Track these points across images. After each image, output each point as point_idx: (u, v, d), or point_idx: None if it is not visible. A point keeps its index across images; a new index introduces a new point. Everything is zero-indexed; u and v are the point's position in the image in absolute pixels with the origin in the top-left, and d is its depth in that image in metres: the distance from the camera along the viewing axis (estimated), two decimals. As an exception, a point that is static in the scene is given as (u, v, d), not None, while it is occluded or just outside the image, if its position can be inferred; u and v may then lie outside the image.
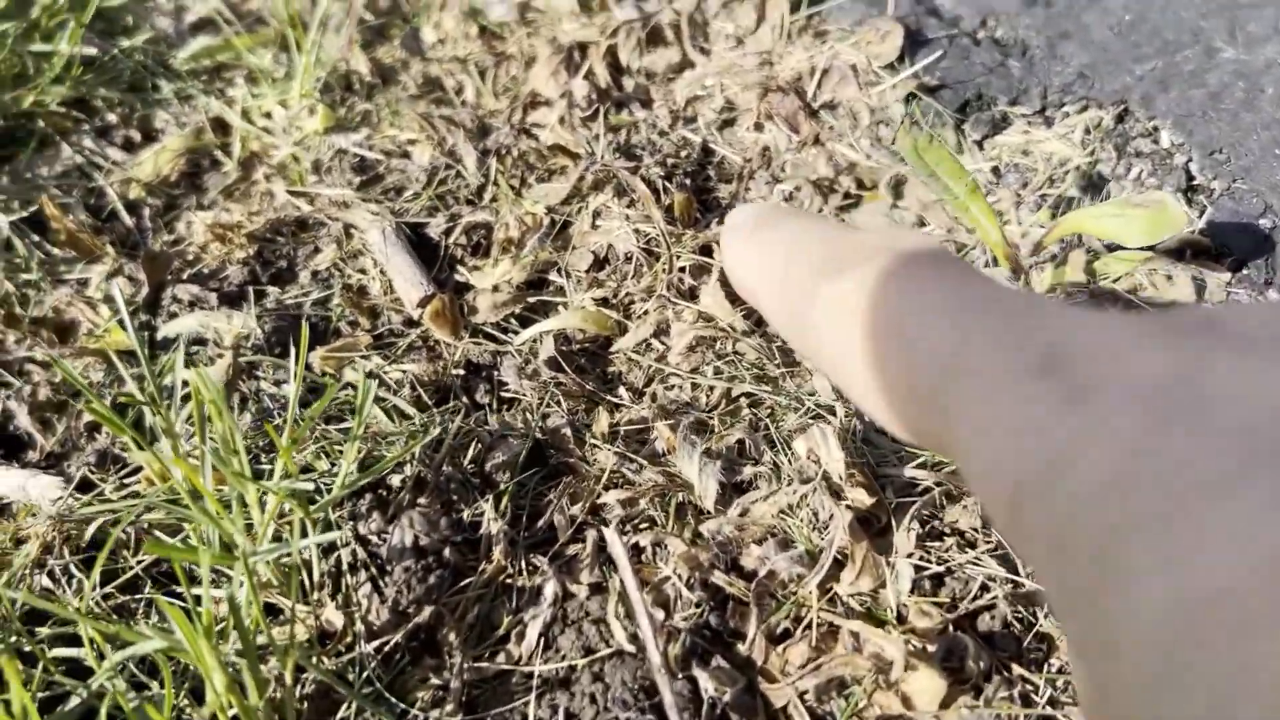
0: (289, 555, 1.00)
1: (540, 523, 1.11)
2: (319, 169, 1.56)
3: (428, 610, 1.03)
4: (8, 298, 1.41)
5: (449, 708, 0.98)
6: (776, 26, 1.63)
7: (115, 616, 1.06)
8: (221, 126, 1.67)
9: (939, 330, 0.38)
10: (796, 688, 0.97)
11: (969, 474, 0.36)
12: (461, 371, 1.29)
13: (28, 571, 1.09)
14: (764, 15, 1.65)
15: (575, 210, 1.44)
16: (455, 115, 1.60)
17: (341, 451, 1.15)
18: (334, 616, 1.03)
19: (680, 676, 0.98)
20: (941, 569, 1.04)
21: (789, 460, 1.12)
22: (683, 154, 1.50)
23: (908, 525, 1.06)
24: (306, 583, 1.05)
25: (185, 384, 1.22)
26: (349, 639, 1.02)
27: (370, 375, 1.26)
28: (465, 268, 1.42)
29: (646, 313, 1.32)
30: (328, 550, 1.07)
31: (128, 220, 1.54)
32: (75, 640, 1.04)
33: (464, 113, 1.61)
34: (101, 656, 0.98)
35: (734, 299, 1.30)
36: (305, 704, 0.99)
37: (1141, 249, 1.25)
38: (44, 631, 1.05)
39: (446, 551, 1.05)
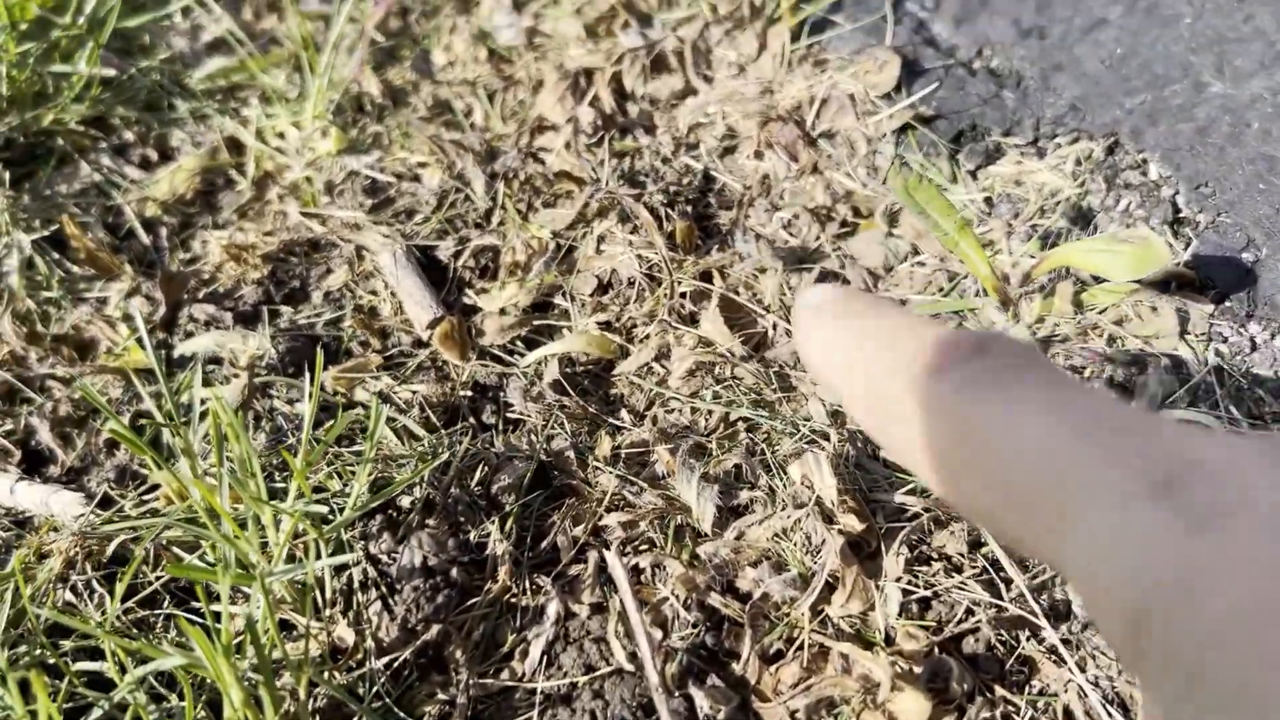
0: (304, 575, 1.05)
1: (544, 544, 1.15)
2: (331, 190, 1.61)
3: (435, 628, 1.07)
4: (29, 315, 1.45)
5: (455, 722, 1.02)
6: (777, 55, 1.67)
7: (135, 631, 1.11)
8: (236, 146, 1.72)
9: (1050, 440, 0.37)
10: (788, 707, 1.01)
11: (1080, 587, 0.36)
12: (469, 393, 1.33)
13: (51, 586, 1.13)
14: (765, 44, 1.69)
15: (580, 235, 1.48)
16: (464, 139, 1.64)
17: (353, 472, 1.20)
18: (345, 633, 1.07)
19: (677, 695, 1.02)
20: (929, 593, 1.09)
21: (784, 485, 1.17)
22: (685, 181, 1.54)
23: (897, 550, 1.10)
24: (319, 600, 1.10)
25: (202, 402, 1.26)
26: (360, 655, 1.07)
27: (381, 396, 1.31)
28: (473, 290, 1.46)
29: (648, 337, 1.36)
30: (340, 569, 1.12)
31: (145, 239, 1.58)
32: (97, 654, 1.09)
33: (473, 136, 1.66)
34: (123, 670, 1.02)
35: (733, 324, 1.35)
36: (317, 717, 1.04)
37: (1128, 281, 1.29)
38: (67, 645, 1.09)
39: (454, 571, 1.10)
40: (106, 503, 1.24)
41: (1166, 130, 1.49)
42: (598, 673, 1.05)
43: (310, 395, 1.08)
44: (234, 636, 1.03)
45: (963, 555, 1.12)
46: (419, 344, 1.40)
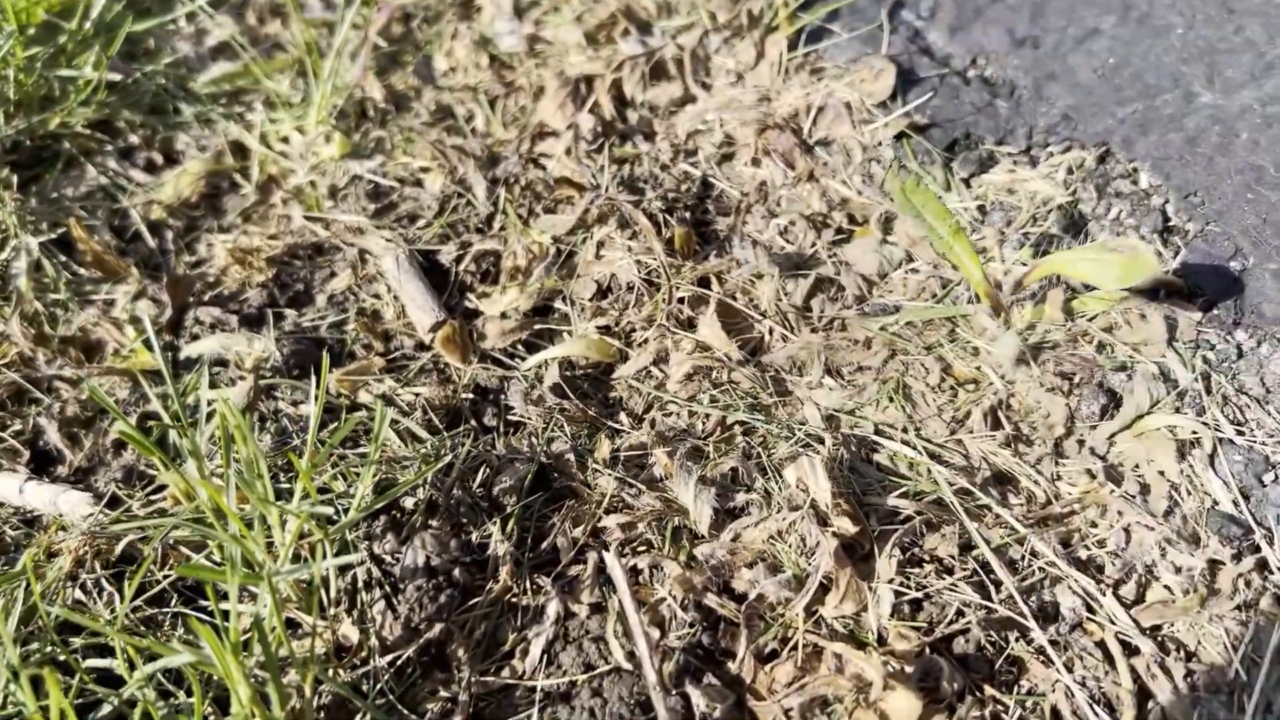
0: (309, 574, 1.07)
1: (544, 545, 1.18)
2: (335, 194, 1.63)
3: (438, 627, 1.10)
4: (37, 317, 1.47)
5: (457, 718, 1.05)
6: (775, 63, 1.69)
7: (144, 628, 1.13)
8: (240, 150, 1.74)
9: None
10: (782, 705, 1.04)
11: None
12: (471, 395, 1.36)
13: (61, 584, 1.16)
14: (763, 52, 1.71)
15: (580, 241, 1.51)
16: (466, 144, 1.66)
17: (357, 473, 1.22)
18: (350, 631, 1.10)
19: (674, 693, 1.05)
20: (920, 594, 1.11)
21: (779, 488, 1.19)
22: (683, 187, 1.57)
23: (889, 552, 1.13)
24: (325, 599, 1.12)
25: (209, 403, 1.28)
26: (364, 653, 1.09)
27: (384, 399, 1.33)
28: (475, 294, 1.49)
29: (647, 341, 1.39)
30: (344, 569, 1.14)
31: (150, 241, 1.60)
32: (107, 651, 1.11)
33: (474, 142, 1.68)
34: (132, 667, 1.04)
35: (730, 329, 1.37)
36: (322, 714, 1.06)
37: (1117, 290, 1.31)
38: (77, 642, 1.11)
39: (456, 571, 1.12)
40: (114, 503, 1.26)
41: (1157, 140, 1.51)
42: (596, 671, 1.08)
43: (315, 398, 1.11)
44: (241, 634, 1.06)
45: (954, 558, 1.14)
46: (421, 347, 1.43)
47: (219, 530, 1.06)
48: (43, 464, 1.35)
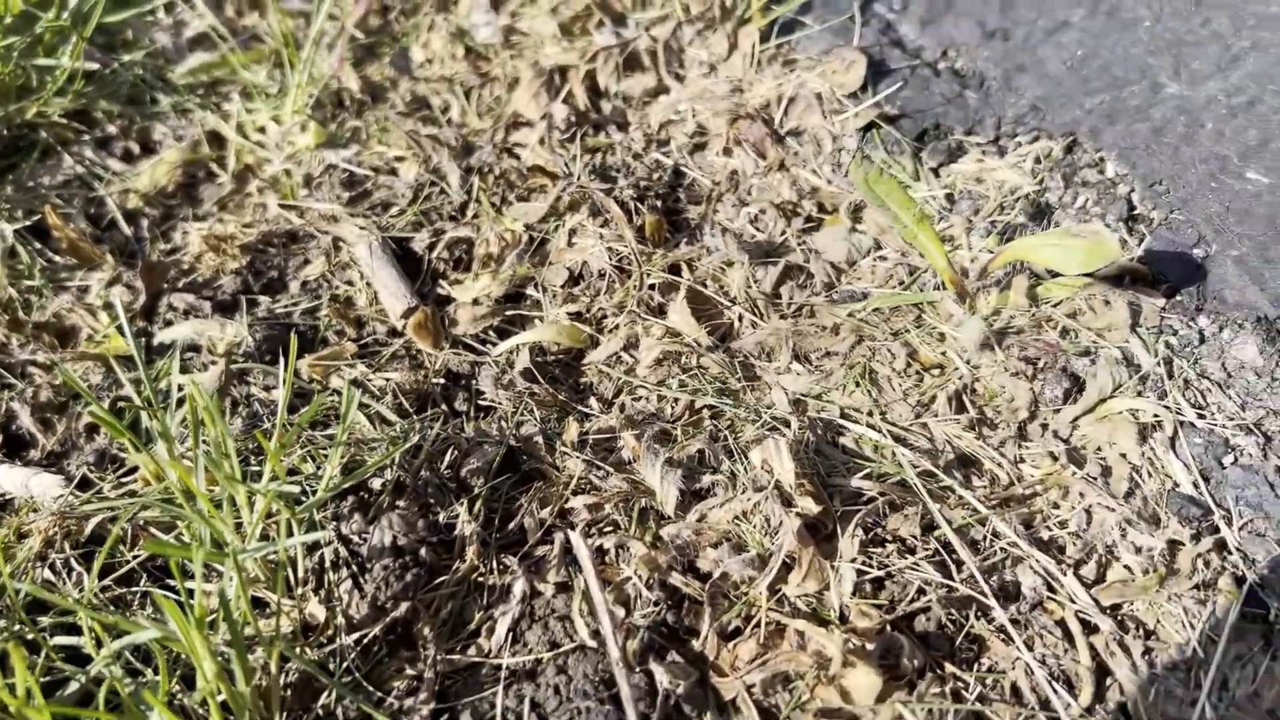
0: (276, 553, 1.08)
1: (511, 525, 1.19)
2: (310, 183, 1.64)
3: (404, 606, 1.10)
4: (11, 303, 1.48)
5: (423, 696, 1.06)
6: (747, 55, 1.71)
7: (112, 607, 1.14)
8: (217, 140, 1.75)
9: None
10: (745, 681, 1.05)
11: None
12: (442, 380, 1.37)
13: (30, 564, 1.16)
14: (736, 44, 1.73)
15: (552, 228, 1.52)
16: (441, 134, 1.68)
17: (326, 455, 1.23)
18: (317, 610, 1.11)
19: (638, 670, 1.06)
20: (882, 573, 1.13)
21: (745, 469, 1.20)
22: (655, 176, 1.58)
23: (852, 532, 1.14)
24: (292, 578, 1.13)
25: (180, 388, 1.29)
26: (330, 631, 1.10)
27: (355, 383, 1.34)
28: (447, 281, 1.50)
29: (617, 327, 1.40)
30: (312, 548, 1.15)
31: (126, 229, 1.61)
32: (74, 629, 1.12)
33: (449, 131, 1.69)
34: (100, 645, 1.05)
35: (700, 316, 1.38)
36: (289, 692, 1.07)
37: (1082, 275, 1.33)
38: (45, 621, 1.12)
39: (423, 551, 1.13)
40: (85, 485, 1.27)
41: (1124, 130, 1.53)
42: (562, 649, 1.09)
43: (284, 381, 1.11)
44: (208, 612, 1.06)
45: (916, 537, 1.16)
46: (393, 333, 1.44)
47: (187, 510, 1.07)
48: (16, 448, 1.35)
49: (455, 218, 1.58)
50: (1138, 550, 1.14)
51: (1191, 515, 1.16)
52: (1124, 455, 1.22)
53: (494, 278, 1.46)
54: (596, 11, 1.81)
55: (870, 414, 1.28)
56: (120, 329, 1.41)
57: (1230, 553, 1.14)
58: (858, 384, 1.31)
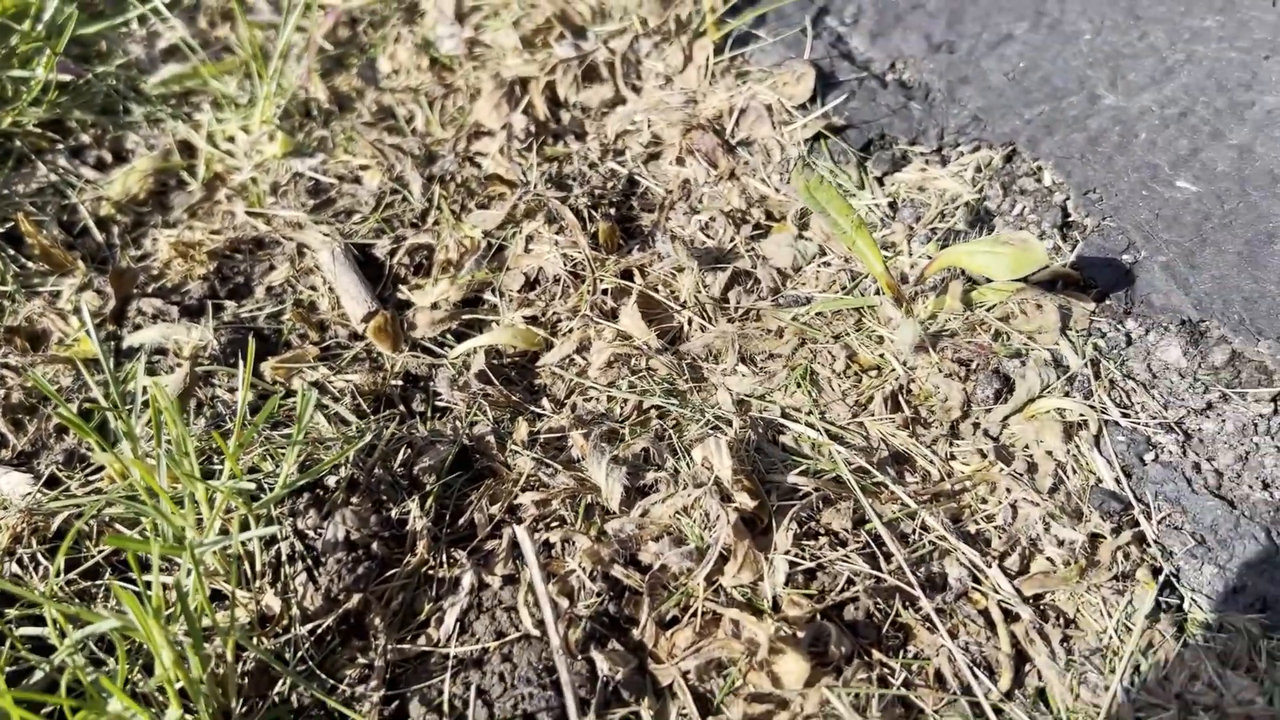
0: (232, 546, 1.13)
1: (462, 520, 1.24)
2: (277, 191, 1.69)
3: (357, 597, 1.16)
4: (-16, 308, 1.53)
5: (373, 684, 1.11)
6: (702, 67, 1.76)
7: (78, 600, 1.19)
8: (188, 149, 1.80)
9: None
10: (680, 668, 1.10)
11: None
12: (400, 382, 1.42)
13: (-1, 559, 1.21)
14: (691, 56, 1.78)
15: (510, 235, 1.57)
16: (404, 143, 1.73)
17: (284, 454, 1.28)
18: (273, 602, 1.16)
19: (579, 658, 1.11)
20: (814, 565, 1.18)
21: (687, 466, 1.26)
22: (609, 185, 1.63)
23: (787, 525, 1.19)
24: (249, 572, 1.18)
25: (145, 390, 1.34)
26: (286, 622, 1.15)
27: (316, 385, 1.39)
28: (407, 286, 1.55)
29: (571, 330, 1.45)
30: (269, 543, 1.20)
31: (98, 236, 1.66)
32: (40, 621, 1.17)
33: (413, 141, 1.74)
34: (63, 636, 1.10)
35: (650, 320, 1.44)
36: (245, 680, 1.12)
37: (1015, 280, 1.39)
38: (12, 613, 1.17)
39: (375, 545, 1.18)
40: (53, 483, 1.31)
41: (1061, 140, 1.59)
42: (507, 638, 1.14)
43: (243, 382, 1.16)
44: (167, 604, 1.11)
45: (848, 531, 1.21)
46: (355, 336, 1.49)
47: (149, 506, 1.12)
48: (-13, 449, 1.40)
49: (416, 225, 1.63)
50: (1060, 543, 1.20)
51: (1112, 510, 1.22)
52: (1050, 452, 1.28)
53: (452, 283, 1.51)
54: (557, 24, 1.86)
55: (810, 413, 1.34)
56: (88, 333, 1.46)
57: (1149, 545, 1.19)
58: (799, 385, 1.37)
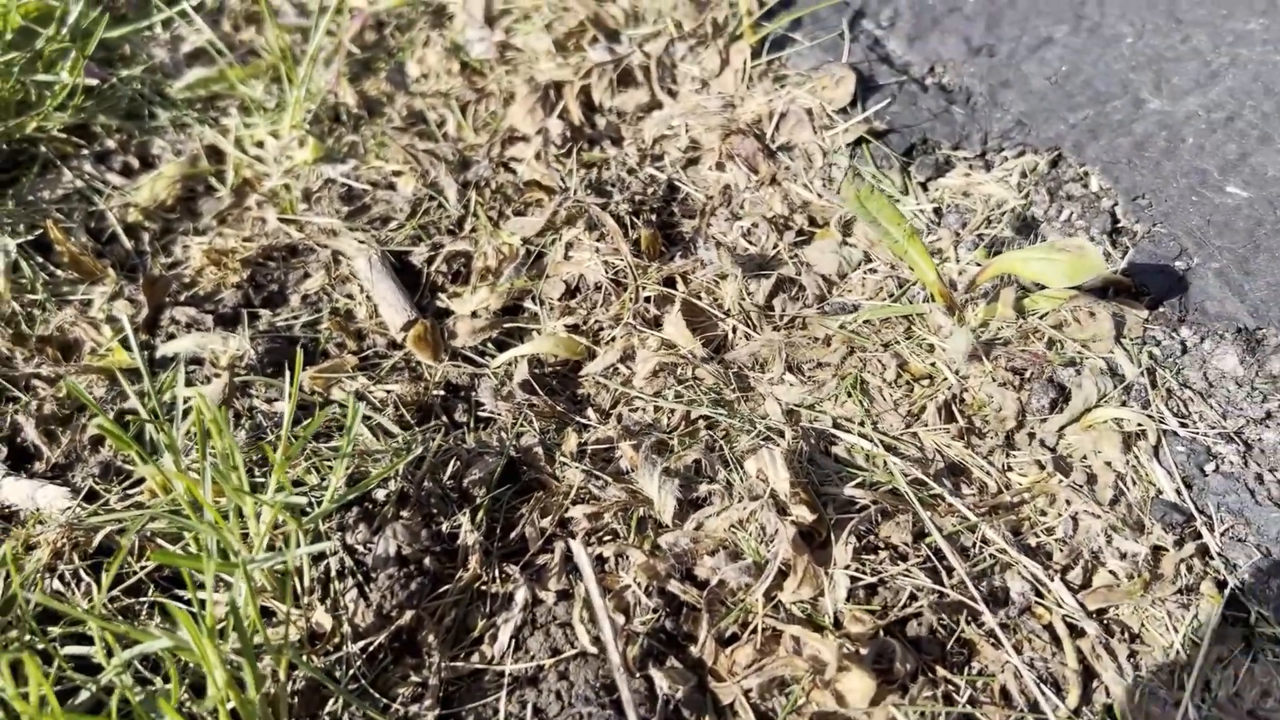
0: (284, 563, 1.10)
1: (513, 534, 1.21)
2: (309, 197, 1.67)
3: (409, 614, 1.13)
4: (14, 317, 1.50)
5: (428, 703, 1.08)
6: (739, 71, 1.74)
7: (121, 618, 1.16)
8: (216, 154, 1.77)
9: None
10: (742, 686, 1.08)
11: None
12: (442, 392, 1.39)
13: (39, 575, 1.18)
14: (728, 60, 1.76)
15: (549, 242, 1.55)
16: (438, 149, 1.70)
17: (330, 467, 1.25)
18: (323, 619, 1.13)
19: (638, 675, 1.08)
20: (875, 579, 1.15)
21: (740, 479, 1.23)
22: (649, 191, 1.61)
23: (845, 539, 1.17)
24: (298, 589, 1.15)
25: (186, 400, 1.31)
26: (337, 639, 1.12)
27: (356, 395, 1.36)
28: (446, 294, 1.52)
29: (614, 339, 1.43)
30: (317, 559, 1.17)
31: (127, 243, 1.63)
32: (84, 640, 1.14)
33: (446, 146, 1.72)
34: (110, 655, 1.07)
35: (694, 328, 1.41)
36: (296, 699, 1.09)
37: (1067, 288, 1.36)
38: (55, 631, 1.14)
39: (427, 560, 1.16)
40: (91, 497, 1.29)
41: (1107, 144, 1.57)
42: (563, 656, 1.11)
43: (289, 394, 1.14)
44: (217, 621, 1.09)
45: (908, 545, 1.19)
46: (393, 345, 1.46)
47: (195, 521, 1.09)
48: (20, 461, 1.37)
49: (453, 232, 1.60)
50: (1122, 556, 1.18)
51: (1174, 522, 1.20)
52: (1109, 463, 1.26)
53: (492, 290, 1.49)
54: (590, 28, 1.84)
55: (862, 424, 1.31)
56: (124, 342, 1.43)
57: (1212, 558, 1.17)
58: (849, 394, 1.34)
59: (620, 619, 1.13)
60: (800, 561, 1.14)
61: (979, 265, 1.43)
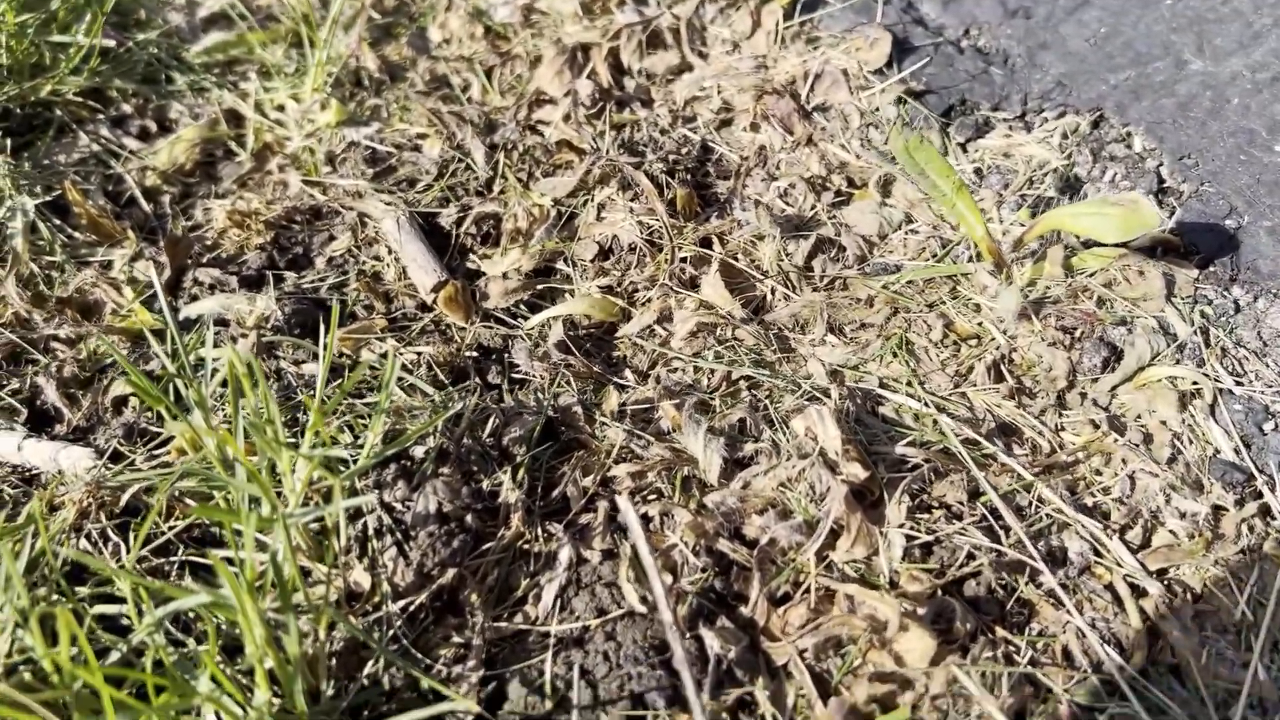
0: (321, 519, 1.06)
1: (554, 493, 1.17)
2: (332, 160, 1.63)
3: (450, 573, 1.09)
4: (33, 278, 1.46)
5: (471, 664, 1.04)
6: (771, 32, 1.70)
7: (149, 577, 1.12)
8: (235, 118, 1.73)
9: None
10: (797, 646, 1.04)
11: None
12: (474, 354, 1.35)
13: (65, 535, 1.14)
14: (759, 21, 1.72)
15: (581, 203, 1.51)
16: (463, 111, 1.66)
17: (365, 424, 1.21)
18: (361, 578, 1.09)
19: (688, 636, 1.05)
20: (930, 538, 1.12)
21: (787, 438, 1.20)
22: (683, 151, 1.57)
23: (899, 498, 1.14)
24: (336, 546, 1.11)
25: (215, 360, 1.27)
26: (376, 599, 1.08)
27: (384, 358, 1.33)
28: (476, 256, 1.49)
29: (650, 300, 1.39)
30: (354, 517, 1.14)
31: (146, 206, 1.59)
32: (112, 600, 1.10)
33: (471, 109, 1.68)
34: (141, 614, 1.03)
35: (733, 288, 1.38)
36: (334, 660, 1.05)
37: (1116, 245, 1.33)
38: (83, 591, 1.10)
39: (468, 518, 1.12)
40: (115, 458, 1.25)
41: (1150, 105, 1.54)
42: (610, 616, 1.08)
43: (325, 346, 1.10)
44: (256, 577, 1.05)
45: (962, 504, 1.15)
46: (423, 307, 1.42)
47: (225, 478, 1.05)
48: (41, 424, 1.33)
49: (481, 193, 1.56)
50: (1182, 515, 1.14)
51: (1234, 481, 1.16)
52: (1164, 422, 1.22)
53: (523, 252, 1.45)
54: (617, -10, 1.80)
55: (909, 384, 1.28)
56: (146, 303, 1.40)
57: (1274, 518, 1.14)
58: (895, 354, 1.31)
59: (668, 578, 1.09)
60: (853, 520, 1.10)
61: (1023, 225, 1.39)
